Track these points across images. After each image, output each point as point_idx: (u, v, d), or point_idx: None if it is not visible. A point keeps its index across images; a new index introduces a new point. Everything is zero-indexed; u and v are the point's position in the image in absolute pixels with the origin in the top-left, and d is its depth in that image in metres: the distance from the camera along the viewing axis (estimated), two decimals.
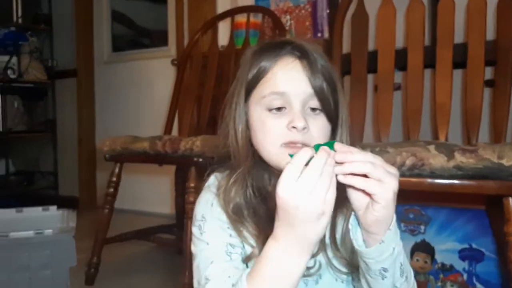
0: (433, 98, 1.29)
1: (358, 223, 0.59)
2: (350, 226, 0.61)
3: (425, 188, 0.97)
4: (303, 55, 0.65)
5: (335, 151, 0.54)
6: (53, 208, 1.53)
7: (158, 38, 2.95)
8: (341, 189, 0.56)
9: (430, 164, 0.95)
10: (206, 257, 0.67)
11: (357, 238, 0.60)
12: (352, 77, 1.41)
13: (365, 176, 0.54)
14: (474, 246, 1.22)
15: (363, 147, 1.04)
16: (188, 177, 1.48)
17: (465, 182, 0.94)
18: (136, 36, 3.22)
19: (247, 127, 0.69)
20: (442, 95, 1.27)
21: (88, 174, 3.18)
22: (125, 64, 3.07)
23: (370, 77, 1.45)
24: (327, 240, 0.70)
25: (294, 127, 0.62)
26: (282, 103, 0.64)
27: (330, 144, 0.55)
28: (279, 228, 0.55)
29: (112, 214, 1.69)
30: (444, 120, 1.25)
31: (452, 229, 1.24)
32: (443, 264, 1.25)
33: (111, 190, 1.68)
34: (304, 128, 0.63)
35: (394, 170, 0.55)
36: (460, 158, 0.93)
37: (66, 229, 1.36)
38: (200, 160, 1.43)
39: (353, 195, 0.57)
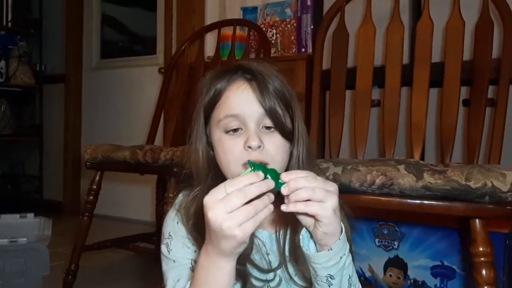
0: (409, 116, 1.31)
1: (311, 236, 0.63)
2: (300, 237, 0.65)
3: (394, 207, 0.98)
4: (253, 77, 0.68)
5: (283, 181, 0.57)
6: (30, 215, 1.54)
7: (149, 45, 2.95)
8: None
9: (399, 183, 0.96)
10: (173, 275, 0.70)
11: (309, 248, 0.64)
12: (331, 93, 1.43)
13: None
14: (446, 263, 1.23)
15: (337, 164, 1.06)
16: (167, 187, 1.49)
17: (433, 202, 0.95)
18: (127, 42, 3.23)
19: (211, 148, 0.73)
20: (418, 113, 1.29)
21: (73, 179, 3.17)
22: (113, 70, 3.07)
23: (349, 93, 1.46)
24: (287, 254, 0.72)
25: (249, 146, 0.66)
26: (238, 124, 0.68)
27: (278, 175, 0.58)
28: (206, 235, 0.59)
29: (91, 222, 1.69)
30: (419, 138, 1.27)
31: (425, 246, 1.26)
32: (415, 280, 1.26)
33: (91, 198, 1.68)
34: (259, 147, 0.66)
35: (332, 187, 0.59)
36: (428, 179, 0.94)
37: (42, 237, 1.36)
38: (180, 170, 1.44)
39: (299, 216, 0.61)
